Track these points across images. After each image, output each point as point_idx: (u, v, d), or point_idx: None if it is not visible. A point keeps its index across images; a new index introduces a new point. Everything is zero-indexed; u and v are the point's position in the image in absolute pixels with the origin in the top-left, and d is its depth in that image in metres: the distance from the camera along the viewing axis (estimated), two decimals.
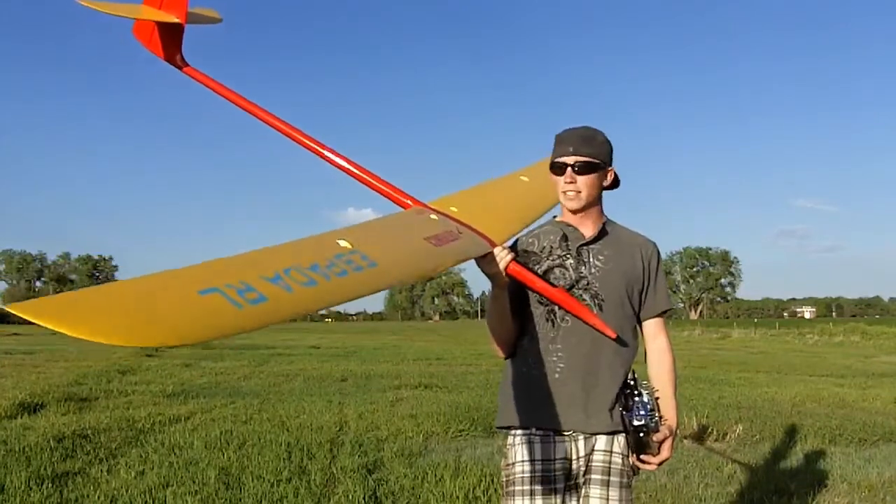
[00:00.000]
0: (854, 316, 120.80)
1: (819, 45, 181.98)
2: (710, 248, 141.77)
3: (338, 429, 7.76)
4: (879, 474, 5.91)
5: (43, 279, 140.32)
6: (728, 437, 7.48)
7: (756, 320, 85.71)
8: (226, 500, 4.99)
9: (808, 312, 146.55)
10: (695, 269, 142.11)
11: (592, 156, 2.37)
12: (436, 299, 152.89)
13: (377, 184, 2.64)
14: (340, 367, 16.45)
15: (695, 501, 5.14)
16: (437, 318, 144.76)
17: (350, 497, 5.00)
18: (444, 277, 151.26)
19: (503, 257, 2.28)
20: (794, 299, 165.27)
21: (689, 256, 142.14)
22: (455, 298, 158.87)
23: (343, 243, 1.91)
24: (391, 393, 11.20)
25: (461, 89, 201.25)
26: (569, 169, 2.36)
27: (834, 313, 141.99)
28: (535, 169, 2.91)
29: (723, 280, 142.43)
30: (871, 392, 12.08)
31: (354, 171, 2.68)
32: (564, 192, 2.40)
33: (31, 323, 1.28)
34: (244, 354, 21.81)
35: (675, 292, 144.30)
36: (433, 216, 2.35)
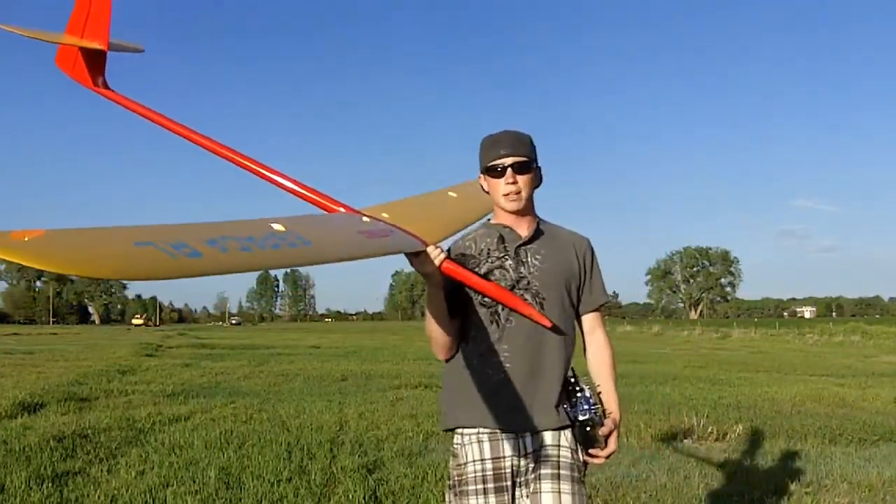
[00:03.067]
0: (854, 316, 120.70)
1: (819, 45, 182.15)
2: (710, 248, 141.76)
3: (338, 428, 7.77)
4: (879, 474, 5.91)
5: (43, 279, 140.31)
6: (728, 437, 7.47)
7: (756, 320, 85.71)
8: (226, 499, 4.99)
9: (808, 312, 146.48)
10: (695, 269, 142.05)
11: (527, 156, 2.42)
12: None
13: (305, 192, 2.64)
14: (340, 367, 16.45)
15: (695, 501, 5.14)
16: None
17: (350, 497, 5.00)
18: None
19: (437, 255, 2.30)
20: (794, 299, 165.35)
21: (689, 256, 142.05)
22: None
23: (277, 227, 1.98)
24: (391, 393, 11.21)
25: (458, 90, 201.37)
26: (509, 169, 2.39)
27: (834, 313, 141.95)
28: (463, 187, 3.00)
29: (723, 280, 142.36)
30: (871, 392, 12.09)
31: (281, 181, 2.69)
32: (506, 195, 2.41)
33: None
34: (244, 354, 21.82)
35: (674, 292, 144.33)
36: (365, 219, 2.41)
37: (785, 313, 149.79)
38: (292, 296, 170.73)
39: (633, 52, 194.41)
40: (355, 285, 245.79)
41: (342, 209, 2.57)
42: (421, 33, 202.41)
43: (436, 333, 2.46)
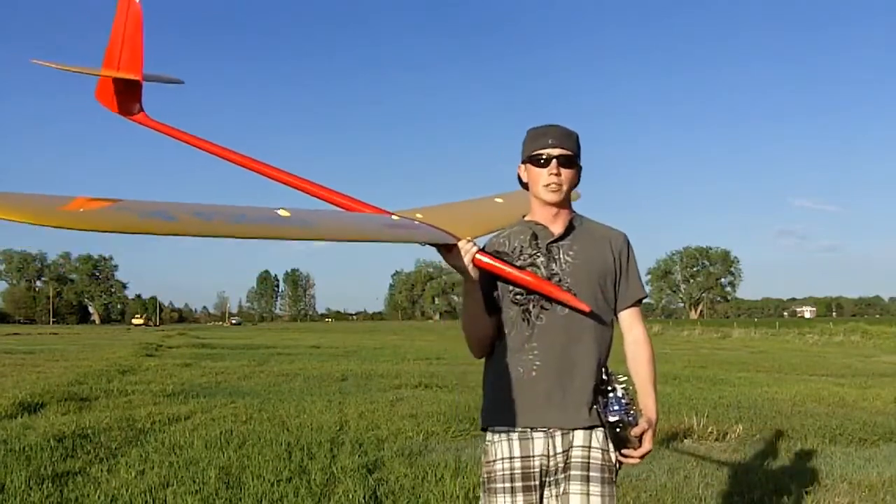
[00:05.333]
0: (854, 316, 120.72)
1: (818, 45, 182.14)
2: (710, 248, 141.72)
3: (338, 428, 7.77)
4: (879, 474, 5.91)
5: (43, 279, 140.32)
6: (728, 436, 7.47)
7: (756, 320, 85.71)
8: (226, 499, 4.98)
9: (808, 312, 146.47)
10: (695, 269, 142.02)
11: (573, 150, 2.42)
12: (436, 299, 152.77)
13: (339, 199, 2.68)
14: (340, 367, 16.46)
15: (695, 501, 5.14)
16: (437, 317, 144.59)
17: (350, 497, 5.00)
18: (444, 277, 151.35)
19: (468, 249, 2.30)
20: (794, 299, 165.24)
21: (689, 256, 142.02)
22: (455, 298, 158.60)
23: (283, 212, 1.99)
24: (391, 392, 11.22)
25: (456, 92, 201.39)
26: (554, 161, 2.39)
27: (834, 313, 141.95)
28: (512, 195, 2.96)
29: (723, 280, 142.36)
30: (871, 392, 12.08)
31: (315, 189, 2.76)
32: (547, 185, 2.40)
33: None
34: (244, 354, 21.83)
35: (674, 292, 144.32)
36: (395, 217, 2.41)
37: (785, 313, 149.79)
38: (292, 296, 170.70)
39: (633, 49, 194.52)
40: (355, 285, 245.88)
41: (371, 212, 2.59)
42: (415, 32, 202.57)
43: (471, 331, 2.44)
